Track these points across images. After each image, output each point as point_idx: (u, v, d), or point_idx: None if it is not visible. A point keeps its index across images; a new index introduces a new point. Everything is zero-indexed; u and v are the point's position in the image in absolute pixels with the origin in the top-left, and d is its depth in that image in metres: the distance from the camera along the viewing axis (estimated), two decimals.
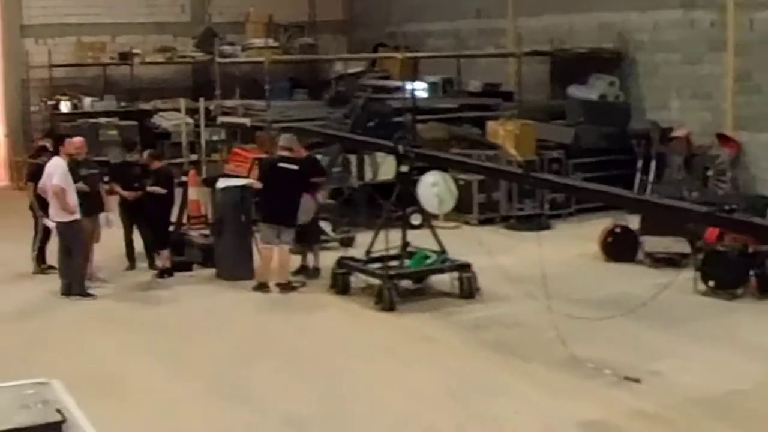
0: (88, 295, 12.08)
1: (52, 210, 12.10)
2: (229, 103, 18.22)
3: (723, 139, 16.44)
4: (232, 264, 13.08)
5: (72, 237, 12.10)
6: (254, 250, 13.26)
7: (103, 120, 19.77)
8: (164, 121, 19.15)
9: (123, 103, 20.84)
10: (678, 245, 13.34)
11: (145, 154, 14.18)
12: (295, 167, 12.06)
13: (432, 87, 19.45)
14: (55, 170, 12.00)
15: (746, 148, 16.26)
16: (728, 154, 16.24)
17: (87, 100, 20.60)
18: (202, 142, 15.67)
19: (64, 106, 20.37)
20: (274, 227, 12.43)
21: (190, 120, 17.00)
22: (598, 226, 14.67)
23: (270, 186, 12.69)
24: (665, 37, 17.60)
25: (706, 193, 15.12)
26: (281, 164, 12.11)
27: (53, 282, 12.56)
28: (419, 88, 18.43)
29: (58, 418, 4.10)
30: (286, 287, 12.39)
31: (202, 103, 16.54)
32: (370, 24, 24.50)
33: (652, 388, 8.65)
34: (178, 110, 18.28)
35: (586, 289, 12.51)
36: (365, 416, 8.21)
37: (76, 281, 12.14)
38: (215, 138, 17.64)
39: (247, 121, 17.24)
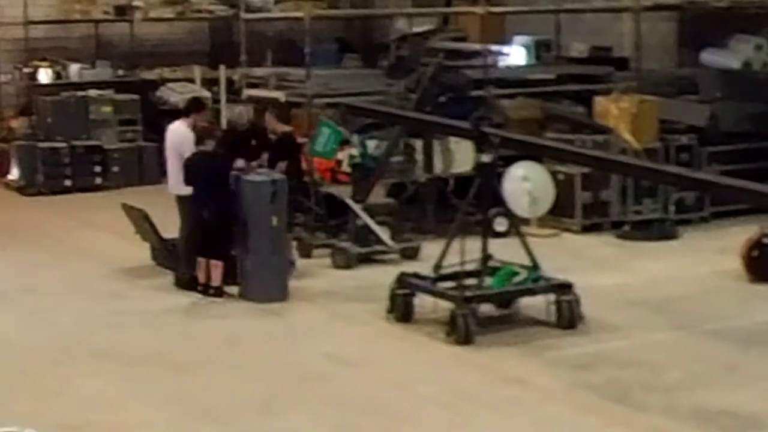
0: None
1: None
2: (258, 71, 18.15)
3: None
4: (260, 282, 13.02)
5: None
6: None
7: (94, 93, 19.62)
8: (173, 94, 18.92)
9: (120, 72, 20.85)
10: None
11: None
12: None
13: (523, 51, 19.41)
14: (186, 141, 13.07)
15: None
16: None
17: (74, 68, 20.57)
18: (223, 122, 15.50)
19: (45, 75, 20.30)
20: None
21: (207, 93, 16.89)
22: (740, 235, 14.58)
23: None
24: None
25: None
26: None
27: None
28: (506, 54, 18.55)
29: None
30: None
31: (222, 72, 16.48)
32: None
33: None
34: (191, 81, 18.30)
35: (725, 318, 12.27)
36: None
37: None
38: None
39: (281, 95, 17.11)
